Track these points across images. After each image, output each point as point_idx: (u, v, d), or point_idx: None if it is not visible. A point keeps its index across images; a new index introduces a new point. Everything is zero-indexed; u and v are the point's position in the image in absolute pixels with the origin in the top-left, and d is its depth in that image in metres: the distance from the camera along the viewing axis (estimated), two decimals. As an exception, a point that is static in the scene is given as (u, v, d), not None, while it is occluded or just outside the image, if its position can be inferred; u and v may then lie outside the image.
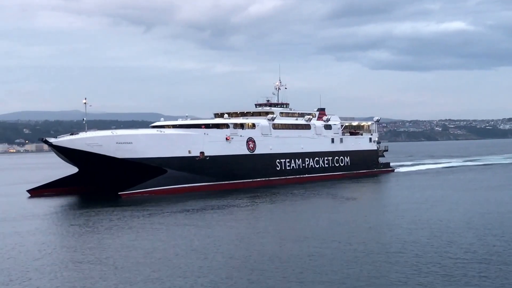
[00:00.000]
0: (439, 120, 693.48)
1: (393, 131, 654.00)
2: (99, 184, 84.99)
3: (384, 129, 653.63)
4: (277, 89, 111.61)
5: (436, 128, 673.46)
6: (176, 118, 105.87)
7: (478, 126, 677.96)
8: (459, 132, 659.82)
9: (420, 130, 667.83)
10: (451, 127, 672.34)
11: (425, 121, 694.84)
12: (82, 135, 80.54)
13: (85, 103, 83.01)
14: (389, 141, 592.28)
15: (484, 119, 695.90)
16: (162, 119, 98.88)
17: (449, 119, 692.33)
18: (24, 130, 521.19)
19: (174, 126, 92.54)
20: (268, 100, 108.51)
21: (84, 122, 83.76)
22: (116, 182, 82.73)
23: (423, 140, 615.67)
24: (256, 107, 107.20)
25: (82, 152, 78.73)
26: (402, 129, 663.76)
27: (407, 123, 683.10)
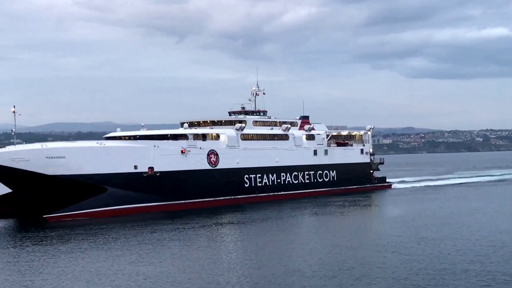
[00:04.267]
0: (480, 130, 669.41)
1: (431, 141, 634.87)
2: (32, 206, 73.93)
3: (422, 140, 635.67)
4: (254, 95, 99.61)
5: (477, 139, 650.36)
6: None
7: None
8: (500, 142, 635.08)
9: (460, 140, 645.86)
10: (492, 138, 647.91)
11: (465, 131, 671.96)
12: (8, 148, 70.31)
13: (13, 111, 72.47)
14: (427, 152, 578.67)
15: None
16: (118, 129, 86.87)
17: (490, 129, 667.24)
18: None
19: (134, 138, 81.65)
20: (243, 108, 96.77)
21: (13, 133, 73.23)
22: (49, 204, 71.62)
23: (463, 151, 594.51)
24: (230, 115, 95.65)
25: (6, 168, 68.24)
26: (441, 140, 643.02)
27: (446, 134, 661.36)
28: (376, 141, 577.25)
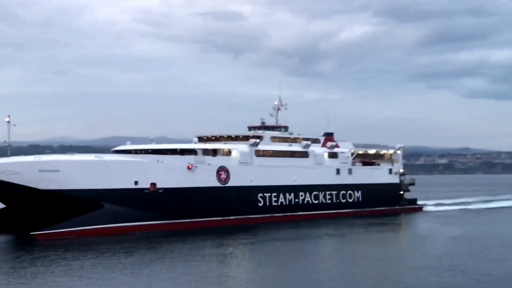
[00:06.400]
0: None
1: (488, 162, 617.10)
2: (23, 222, 69.13)
3: (478, 160, 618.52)
4: (276, 109, 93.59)
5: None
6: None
7: None
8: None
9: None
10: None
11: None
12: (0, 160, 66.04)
13: (8, 121, 68.10)
14: (483, 173, 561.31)
15: None
16: (128, 142, 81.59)
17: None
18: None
19: (146, 152, 76.44)
20: (263, 123, 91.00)
21: (6, 144, 68.72)
22: (40, 220, 66.78)
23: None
24: (249, 130, 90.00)
25: (-3, 181, 64.00)
26: (497, 161, 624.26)
27: (503, 155, 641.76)
28: (432, 160, 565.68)
